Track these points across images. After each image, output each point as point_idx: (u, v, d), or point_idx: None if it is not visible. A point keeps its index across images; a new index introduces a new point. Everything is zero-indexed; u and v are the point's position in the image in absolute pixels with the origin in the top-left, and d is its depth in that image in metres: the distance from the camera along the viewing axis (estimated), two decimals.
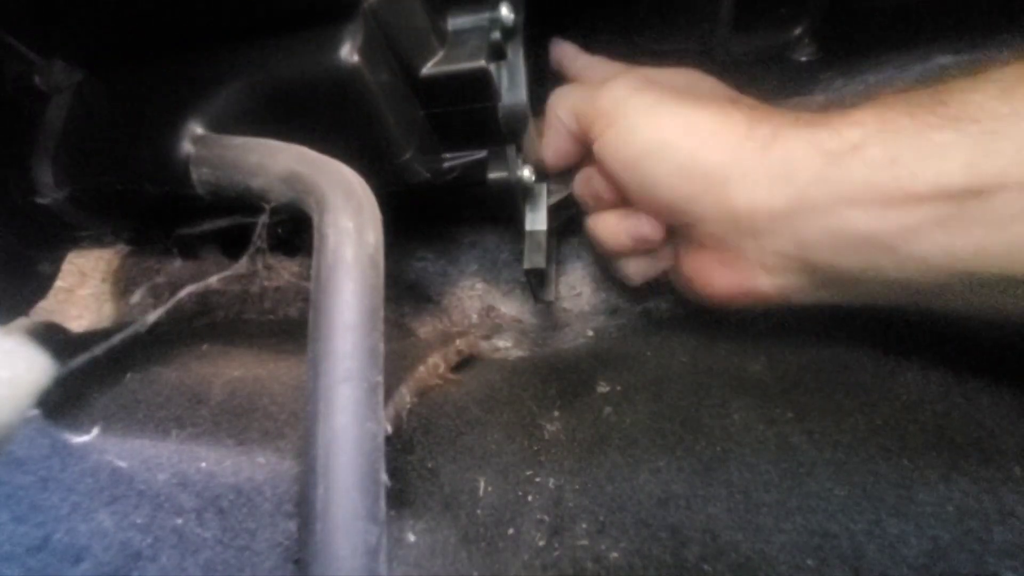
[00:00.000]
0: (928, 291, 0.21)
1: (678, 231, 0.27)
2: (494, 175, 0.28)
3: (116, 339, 0.20)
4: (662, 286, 0.34)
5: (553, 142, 0.30)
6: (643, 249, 0.28)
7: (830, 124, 0.22)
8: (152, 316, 0.21)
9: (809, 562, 0.18)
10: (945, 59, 0.31)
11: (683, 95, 0.26)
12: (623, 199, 0.28)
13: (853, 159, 0.21)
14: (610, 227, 0.28)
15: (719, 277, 0.25)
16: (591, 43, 0.32)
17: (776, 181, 0.22)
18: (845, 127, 0.21)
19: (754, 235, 0.23)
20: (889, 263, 0.21)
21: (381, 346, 0.18)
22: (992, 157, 0.18)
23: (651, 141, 0.25)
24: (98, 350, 0.19)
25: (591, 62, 0.31)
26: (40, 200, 0.27)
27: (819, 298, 0.24)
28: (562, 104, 0.29)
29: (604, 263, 0.33)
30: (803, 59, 0.33)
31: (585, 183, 0.30)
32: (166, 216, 0.29)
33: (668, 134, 0.24)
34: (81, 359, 0.19)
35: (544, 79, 0.32)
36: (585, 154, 0.30)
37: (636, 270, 0.30)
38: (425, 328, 0.36)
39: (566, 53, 0.31)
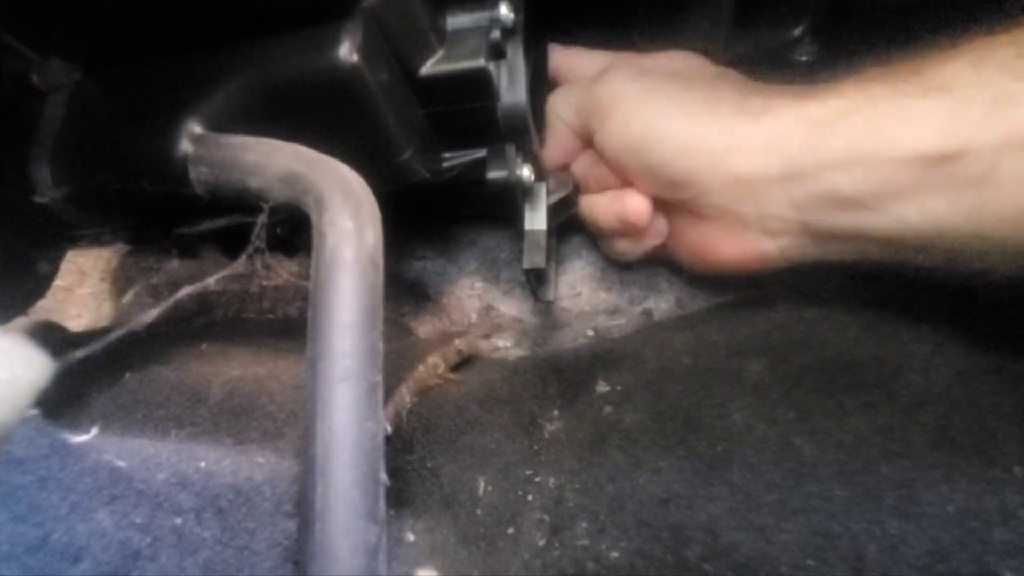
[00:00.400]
0: (911, 248, 0.22)
1: (680, 205, 0.27)
2: (493, 174, 0.28)
3: (113, 336, 0.20)
4: (661, 285, 0.34)
5: (555, 142, 0.31)
6: (631, 231, 0.29)
7: (816, 95, 0.23)
8: (149, 315, 0.21)
9: (810, 562, 0.18)
10: None
11: (674, 78, 0.27)
12: (625, 182, 0.29)
13: (837, 127, 0.22)
14: (599, 209, 0.30)
15: (724, 245, 0.27)
16: (590, 42, 0.32)
17: (768, 149, 0.23)
18: (830, 97, 0.23)
19: (753, 201, 0.24)
20: (873, 222, 0.22)
21: (380, 345, 0.18)
22: (961, 124, 0.20)
23: (648, 127, 0.26)
24: (93, 347, 0.19)
25: (576, 52, 0.32)
26: (38, 199, 0.27)
27: (817, 256, 0.25)
28: (561, 104, 0.30)
29: (599, 242, 0.34)
30: (803, 59, 0.33)
31: (588, 168, 0.30)
32: (165, 215, 0.29)
33: (663, 118, 0.26)
34: (76, 355, 0.19)
35: (544, 79, 0.32)
36: (585, 147, 0.30)
37: (627, 249, 0.31)
38: (425, 327, 0.36)
39: (556, 53, 0.32)
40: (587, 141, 0.30)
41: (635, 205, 0.28)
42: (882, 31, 0.32)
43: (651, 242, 0.30)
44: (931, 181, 0.20)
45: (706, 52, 0.30)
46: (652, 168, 0.26)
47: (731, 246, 0.26)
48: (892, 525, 0.18)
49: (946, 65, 0.21)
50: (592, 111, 0.28)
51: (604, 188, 0.30)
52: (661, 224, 0.30)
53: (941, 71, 0.21)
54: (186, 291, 0.22)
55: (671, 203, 0.28)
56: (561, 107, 0.30)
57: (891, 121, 0.21)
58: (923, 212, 0.21)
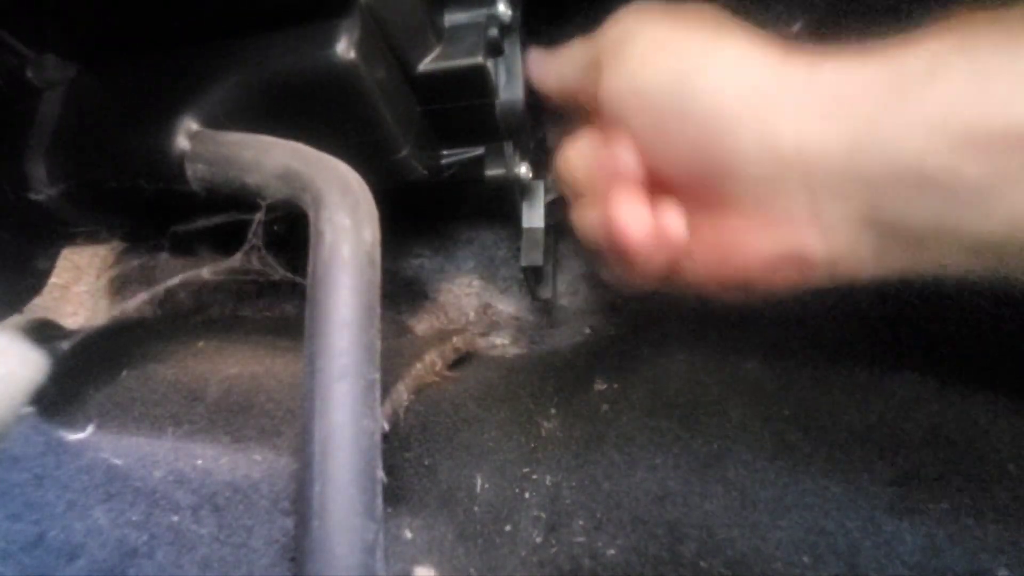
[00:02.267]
0: (1018, 253, 0.17)
1: (698, 194, 0.21)
2: (491, 172, 0.28)
3: (98, 324, 0.20)
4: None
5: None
6: (626, 252, 0.22)
7: (894, 48, 0.18)
8: (137, 299, 0.21)
9: (805, 559, 0.18)
10: None
11: (703, 19, 0.21)
12: (636, 171, 0.21)
13: (928, 88, 0.17)
14: (588, 226, 0.23)
15: (757, 243, 0.20)
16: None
17: (829, 113, 0.18)
18: (917, 49, 0.17)
19: (805, 182, 0.18)
20: (972, 217, 0.16)
21: (378, 343, 0.18)
22: None
23: (669, 70, 0.20)
24: (77, 336, 0.19)
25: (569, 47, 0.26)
26: (34, 196, 0.27)
27: (877, 268, 0.19)
28: (563, 61, 0.25)
29: (600, 270, 0.28)
30: None
31: (582, 155, 0.23)
32: (161, 213, 0.28)
33: (689, 59, 0.20)
34: (63, 345, 0.19)
35: None
36: (583, 122, 0.24)
37: (630, 275, 0.23)
38: (422, 325, 0.36)
39: (535, 61, 0.26)
40: (588, 109, 0.23)
41: (627, 217, 0.21)
42: (879, 29, 0.32)
43: (660, 257, 0.22)
44: None
45: None
46: (671, 129, 0.20)
47: (764, 246, 0.19)
48: (886, 522, 0.18)
49: None
50: (599, 54, 0.22)
51: (602, 179, 0.22)
52: (676, 228, 0.21)
53: None
54: (178, 279, 0.22)
55: (684, 193, 0.21)
56: (563, 64, 0.25)
57: (1000, 79, 0.16)
58: None
